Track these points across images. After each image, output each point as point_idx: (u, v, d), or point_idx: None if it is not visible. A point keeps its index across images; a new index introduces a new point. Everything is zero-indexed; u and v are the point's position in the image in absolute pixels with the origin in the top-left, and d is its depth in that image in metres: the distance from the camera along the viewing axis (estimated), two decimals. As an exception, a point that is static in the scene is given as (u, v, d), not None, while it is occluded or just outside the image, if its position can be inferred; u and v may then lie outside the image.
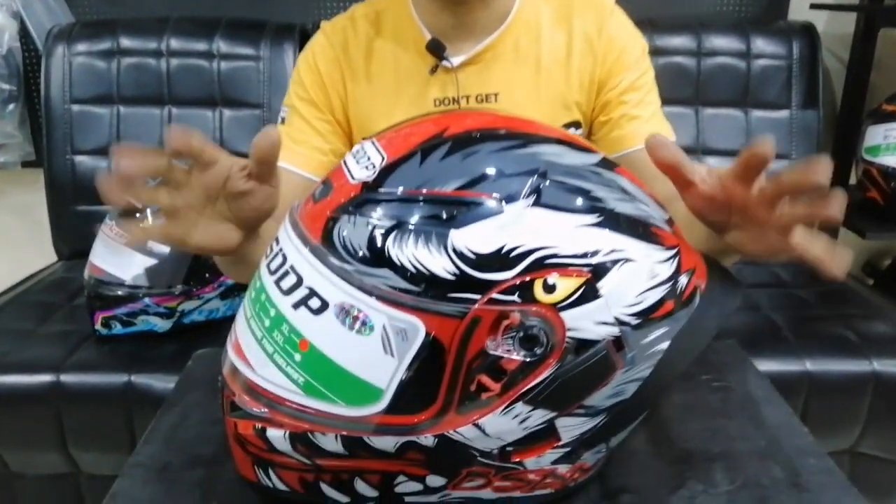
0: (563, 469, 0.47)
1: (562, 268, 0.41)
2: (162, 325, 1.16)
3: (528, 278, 0.40)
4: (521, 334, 0.40)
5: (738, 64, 1.58)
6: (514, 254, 0.40)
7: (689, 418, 0.61)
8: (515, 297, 0.40)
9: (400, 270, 0.40)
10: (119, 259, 1.12)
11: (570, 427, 0.44)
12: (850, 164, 1.67)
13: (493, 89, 0.85)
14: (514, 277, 0.40)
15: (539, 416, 0.43)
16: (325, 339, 0.42)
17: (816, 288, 1.42)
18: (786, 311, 1.32)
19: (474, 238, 0.40)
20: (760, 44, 1.58)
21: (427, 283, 0.40)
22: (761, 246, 0.52)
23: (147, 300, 1.14)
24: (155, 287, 1.14)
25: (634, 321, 0.43)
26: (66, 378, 1.10)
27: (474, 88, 0.85)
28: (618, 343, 0.42)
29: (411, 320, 0.40)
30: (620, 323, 0.42)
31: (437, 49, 0.82)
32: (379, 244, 0.41)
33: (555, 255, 0.41)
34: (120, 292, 1.13)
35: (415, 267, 0.40)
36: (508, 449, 0.44)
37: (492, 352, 0.40)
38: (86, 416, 1.11)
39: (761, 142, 0.46)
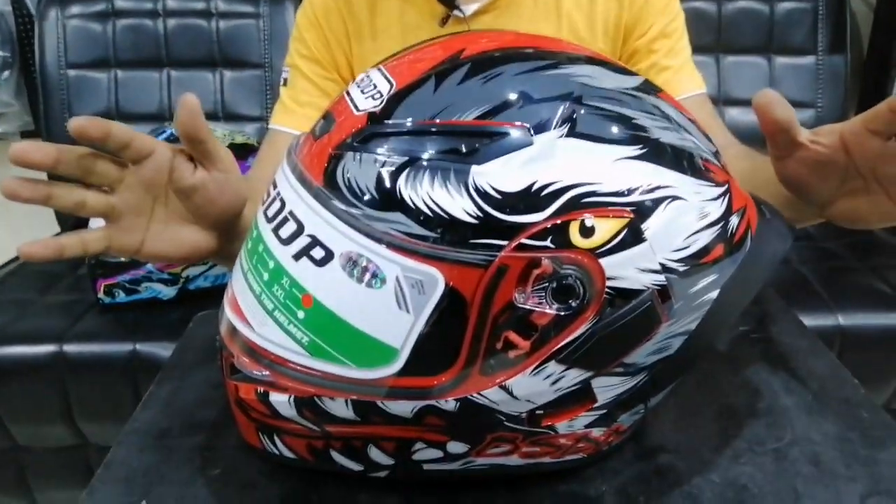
0: (597, 433, 0.42)
1: (601, 207, 0.35)
2: (167, 291, 1.12)
3: (561, 220, 0.35)
4: (555, 284, 0.35)
5: (762, 7, 1.50)
6: (545, 192, 0.35)
7: (730, 372, 0.56)
8: (548, 243, 0.35)
9: (414, 214, 0.35)
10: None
11: (608, 387, 0.40)
12: (880, 112, 1.59)
13: None
14: (545, 220, 0.35)
15: (573, 377, 0.38)
16: (330, 293, 0.37)
17: (844, 240, 1.36)
18: (815, 264, 1.27)
19: (499, 174, 0.35)
20: (786, -16, 1.50)
21: (445, 228, 0.35)
22: (884, 209, 0.45)
23: (150, 266, 1.10)
24: (157, 253, 1.10)
25: (682, 267, 0.38)
26: (70, 348, 1.07)
27: None
28: (663, 293, 0.37)
29: (428, 270, 0.35)
30: (666, 270, 0.37)
31: None
32: (389, 184, 0.36)
33: (592, 193, 0.35)
34: (122, 258, 1.09)
35: (431, 209, 0.35)
36: (538, 412, 0.39)
37: (520, 305, 0.35)
38: (91, 386, 1.09)
39: None
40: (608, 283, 0.36)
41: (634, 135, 0.38)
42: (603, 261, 0.36)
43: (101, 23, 1.51)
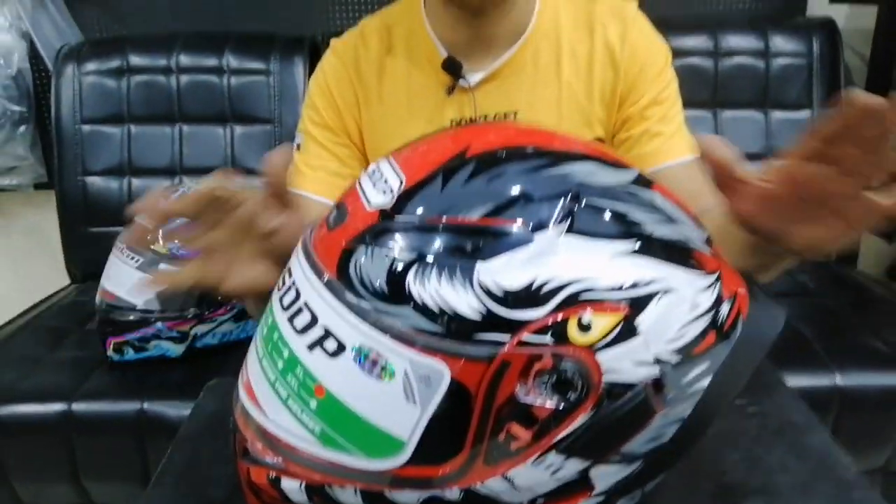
0: (596, 516, 0.43)
1: (598, 303, 0.37)
2: (175, 349, 1.14)
3: (561, 316, 0.37)
4: (554, 379, 0.37)
5: (757, 63, 1.54)
6: (546, 289, 0.37)
7: (725, 448, 0.57)
8: (548, 338, 0.37)
9: (422, 309, 0.37)
10: (131, 283, 1.10)
11: (605, 475, 0.41)
12: (876, 164, 1.62)
13: (512, 107, 0.81)
14: (546, 316, 0.37)
15: (573, 466, 0.39)
16: (342, 384, 0.39)
17: (843, 296, 1.38)
18: (814, 321, 1.28)
19: (502, 271, 0.37)
20: (779, 42, 1.54)
21: (451, 323, 0.37)
22: (845, 229, 0.48)
23: (159, 324, 1.12)
24: (167, 311, 1.12)
25: (675, 359, 0.39)
26: (78, 407, 1.08)
27: (493, 107, 0.81)
28: (657, 384, 0.39)
29: (435, 364, 0.37)
30: (660, 362, 0.39)
31: (454, 68, 0.79)
32: (398, 279, 0.38)
33: (590, 289, 0.37)
34: (132, 317, 1.11)
35: (438, 305, 0.37)
36: (539, 501, 0.40)
37: (522, 398, 0.37)
38: (98, 445, 1.10)
39: (860, 96, 0.41)
40: (605, 377, 0.38)
41: (629, 230, 0.40)
42: (599, 355, 0.37)
43: (116, 79, 1.56)
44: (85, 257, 1.56)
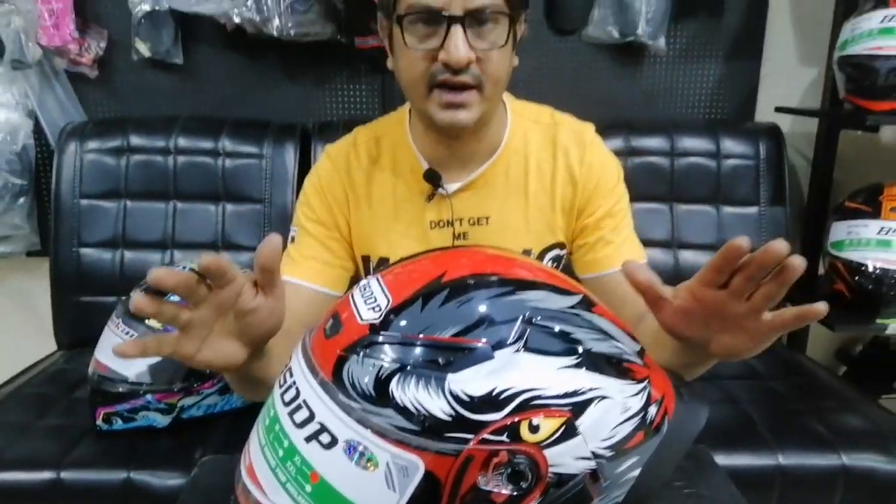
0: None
1: (546, 408, 0.47)
2: (162, 420, 1.19)
3: (516, 419, 0.46)
4: (509, 470, 0.46)
5: (709, 163, 1.69)
6: (503, 396, 0.46)
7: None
8: (504, 437, 0.46)
9: (403, 411, 0.46)
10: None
11: (553, 550, 0.49)
12: (818, 256, 1.76)
13: (484, 213, 0.92)
14: (503, 418, 0.46)
15: (526, 543, 0.48)
16: (334, 472, 0.47)
17: (790, 380, 1.48)
18: (761, 404, 1.37)
19: (469, 382, 0.46)
20: (729, 144, 1.69)
21: (426, 423, 0.45)
22: (746, 341, 0.59)
23: (149, 396, 1.17)
24: (157, 384, 1.17)
25: (609, 454, 0.49)
26: (66, 475, 1.12)
27: (467, 212, 0.92)
28: (594, 475, 0.48)
29: (412, 458, 0.45)
30: (596, 456, 0.48)
31: (433, 179, 0.90)
32: (384, 386, 0.47)
33: (539, 397, 0.47)
34: (122, 389, 1.17)
35: (416, 408, 0.46)
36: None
37: (483, 487, 0.46)
38: (84, 514, 1.12)
39: (738, 241, 0.53)
40: (550, 469, 0.47)
41: (573, 347, 0.49)
42: (546, 451, 0.46)
43: (116, 157, 1.63)
44: (74, 325, 1.61)
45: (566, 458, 0.47)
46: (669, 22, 1.70)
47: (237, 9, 1.56)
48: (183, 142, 1.65)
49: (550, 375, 0.48)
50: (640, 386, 0.52)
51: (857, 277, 1.55)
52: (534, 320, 0.49)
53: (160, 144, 1.65)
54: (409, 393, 0.46)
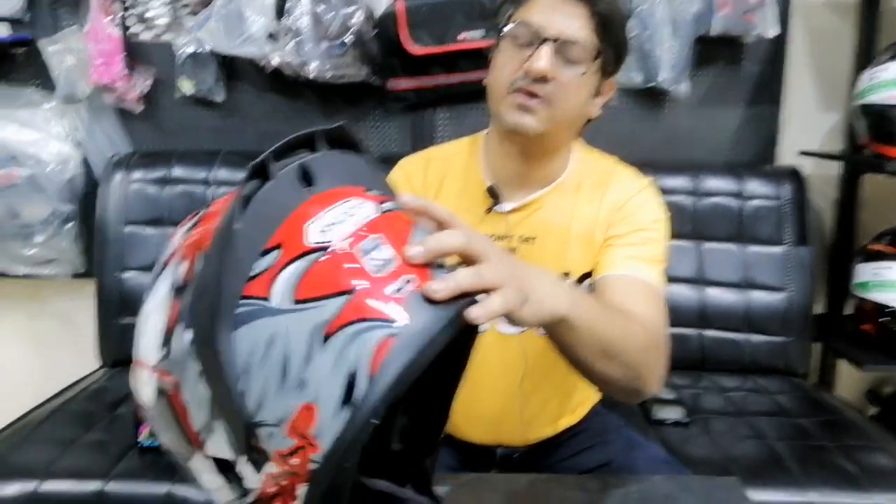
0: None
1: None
2: (201, 437, 1.23)
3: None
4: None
5: (733, 203, 1.71)
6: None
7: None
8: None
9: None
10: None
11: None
12: (844, 296, 1.77)
13: (533, 234, 1.00)
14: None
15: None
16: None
17: (819, 418, 1.47)
18: (789, 440, 1.37)
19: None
20: (752, 185, 1.72)
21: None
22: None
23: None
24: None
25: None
26: (112, 487, 1.16)
27: (519, 230, 1.00)
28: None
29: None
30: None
31: (495, 195, 0.99)
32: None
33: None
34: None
35: None
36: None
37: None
38: (127, 525, 1.15)
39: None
40: None
41: None
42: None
43: (159, 187, 1.70)
44: (117, 344, 1.66)
45: None
46: (690, 69, 1.75)
47: (277, 52, 1.63)
48: (223, 173, 1.72)
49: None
50: None
51: (883, 318, 1.56)
52: None
53: (201, 176, 1.71)
54: None
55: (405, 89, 1.72)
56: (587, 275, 0.99)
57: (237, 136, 1.83)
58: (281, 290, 0.48)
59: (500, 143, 0.99)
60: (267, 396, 0.47)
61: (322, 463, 0.47)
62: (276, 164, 0.54)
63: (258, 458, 0.49)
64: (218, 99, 1.78)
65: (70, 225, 1.81)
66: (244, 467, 0.50)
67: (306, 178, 0.53)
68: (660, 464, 1.01)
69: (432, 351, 0.48)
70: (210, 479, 0.53)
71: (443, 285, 0.50)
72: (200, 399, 0.50)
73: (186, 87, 1.77)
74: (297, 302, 0.48)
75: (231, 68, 1.78)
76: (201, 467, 0.53)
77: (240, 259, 0.49)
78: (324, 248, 0.50)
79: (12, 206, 1.75)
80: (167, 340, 0.53)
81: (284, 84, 1.76)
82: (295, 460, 0.48)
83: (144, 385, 0.54)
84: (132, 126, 1.83)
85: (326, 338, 0.47)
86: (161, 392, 0.53)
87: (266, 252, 0.50)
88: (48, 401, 1.49)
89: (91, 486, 1.15)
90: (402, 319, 0.47)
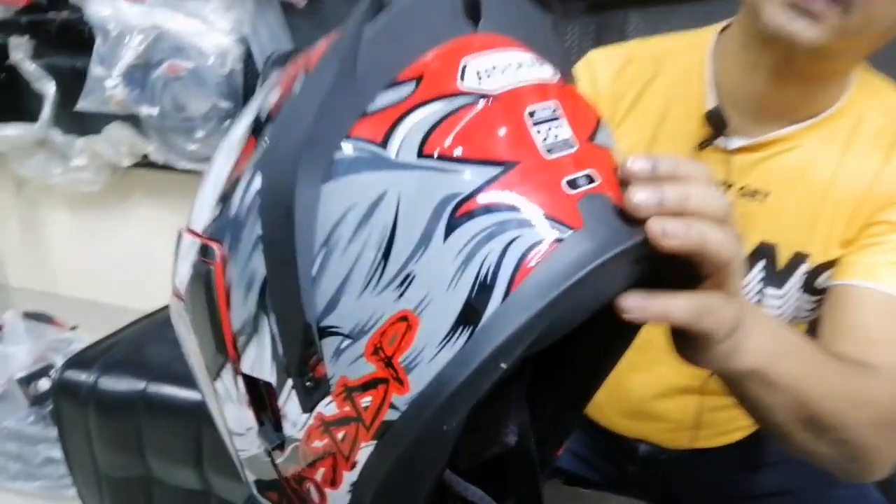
0: None
1: None
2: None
3: None
4: None
5: None
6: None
7: None
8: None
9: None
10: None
11: None
12: None
13: (766, 187, 0.70)
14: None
15: None
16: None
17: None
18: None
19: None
20: None
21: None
22: None
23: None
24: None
25: None
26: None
27: (744, 180, 0.70)
28: None
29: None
30: None
31: (717, 123, 0.69)
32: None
33: None
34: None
35: None
36: None
37: None
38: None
39: None
40: None
41: None
42: None
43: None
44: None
45: None
46: None
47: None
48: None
49: None
50: None
51: None
52: None
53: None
54: None
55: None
56: (827, 265, 0.69)
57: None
58: (405, 136, 0.33)
59: (746, 50, 0.67)
60: (348, 289, 0.31)
61: (408, 411, 0.30)
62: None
63: (312, 388, 0.33)
64: (385, -7, 1.64)
65: (227, 123, 1.79)
66: (289, 401, 0.34)
67: (474, 9, 0.37)
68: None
69: (608, 285, 0.32)
70: (235, 414, 0.37)
71: (650, 196, 0.34)
72: (252, 279, 0.34)
73: (351, -20, 1.64)
74: (425, 157, 0.33)
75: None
76: (228, 392, 0.37)
77: (356, 85, 0.34)
78: (482, 96, 0.34)
79: (178, 98, 1.75)
80: (227, 195, 0.37)
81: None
82: (366, 398, 0.31)
83: (183, 258, 0.38)
84: (294, 22, 1.77)
85: (456, 221, 0.31)
86: (200, 267, 0.36)
87: (396, 85, 0.35)
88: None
89: (196, 394, 1.08)
90: (574, 224, 0.32)
